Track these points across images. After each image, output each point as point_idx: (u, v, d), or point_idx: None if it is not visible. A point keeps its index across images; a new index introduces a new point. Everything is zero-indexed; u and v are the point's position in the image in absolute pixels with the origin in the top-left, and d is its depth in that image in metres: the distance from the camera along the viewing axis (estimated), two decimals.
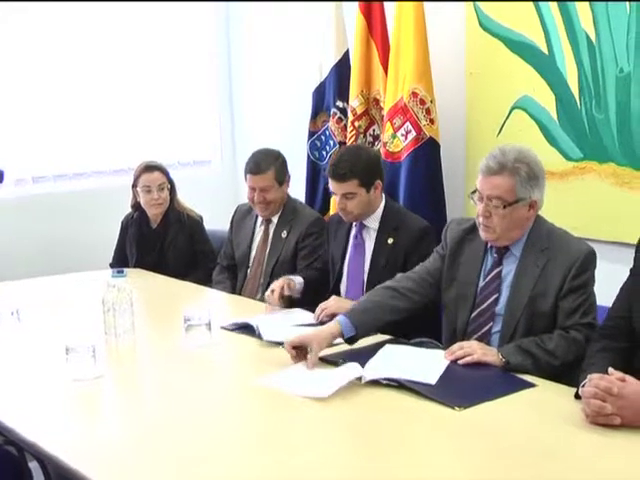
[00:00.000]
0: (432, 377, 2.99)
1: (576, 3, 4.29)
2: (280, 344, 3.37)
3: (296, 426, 2.73)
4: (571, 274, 3.20)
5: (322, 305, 3.80)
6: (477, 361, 3.09)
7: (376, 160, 4.18)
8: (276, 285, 4.07)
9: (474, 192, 3.32)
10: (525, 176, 3.20)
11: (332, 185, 4.02)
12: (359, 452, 2.56)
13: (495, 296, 3.34)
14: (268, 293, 4.06)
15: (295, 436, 2.66)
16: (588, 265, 3.23)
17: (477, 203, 3.30)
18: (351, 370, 3.05)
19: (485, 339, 3.31)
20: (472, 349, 3.11)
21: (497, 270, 3.36)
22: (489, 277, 3.37)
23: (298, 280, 4.16)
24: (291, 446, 2.57)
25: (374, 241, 4.08)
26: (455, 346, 3.17)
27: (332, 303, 3.79)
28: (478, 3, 4.71)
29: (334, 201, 4.73)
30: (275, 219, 4.68)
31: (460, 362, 3.10)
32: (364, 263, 4.09)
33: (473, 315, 3.38)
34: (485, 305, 3.35)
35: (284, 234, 4.60)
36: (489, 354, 3.09)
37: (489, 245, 3.39)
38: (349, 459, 2.50)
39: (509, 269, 3.33)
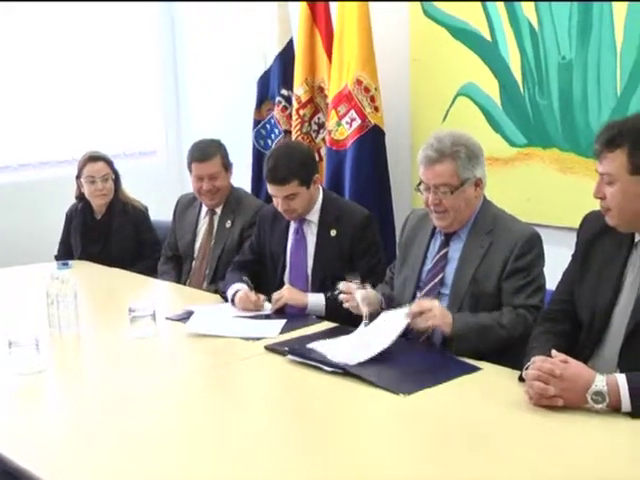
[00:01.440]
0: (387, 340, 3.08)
1: None
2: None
3: (241, 416, 2.71)
4: (513, 255, 3.24)
5: (276, 295, 3.79)
6: (434, 327, 3.12)
7: (310, 155, 4.18)
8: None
9: (419, 184, 3.36)
10: (465, 157, 3.26)
11: (272, 189, 3.97)
12: (305, 440, 2.54)
13: (440, 276, 3.39)
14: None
15: (240, 425, 2.64)
16: (531, 247, 3.27)
17: (424, 194, 3.34)
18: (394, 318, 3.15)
19: None
20: (432, 313, 3.08)
21: (444, 251, 3.41)
22: (436, 258, 3.42)
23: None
24: (235, 436, 2.56)
25: (316, 235, 4.05)
26: (415, 307, 3.13)
27: (285, 293, 3.79)
28: None
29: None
30: (219, 209, 4.65)
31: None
32: (307, 257, 4.07)
33: (419, 295, 3.42)
34: (431, 285, 3.40)
35: (228, 224, 4.57)
36: (446, 321, 3.09)
37: (437, 228, 3.43)
38: (295, 447, 2.49)
39: (455, 251, 3.38)
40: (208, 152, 4.54)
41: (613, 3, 4.01)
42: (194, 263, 4.70)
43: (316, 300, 3.80)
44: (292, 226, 4.12)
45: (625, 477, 2.21)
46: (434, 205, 3.31)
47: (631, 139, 2.68)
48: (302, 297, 3.81)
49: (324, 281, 3.91)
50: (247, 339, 3.41)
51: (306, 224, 4.08)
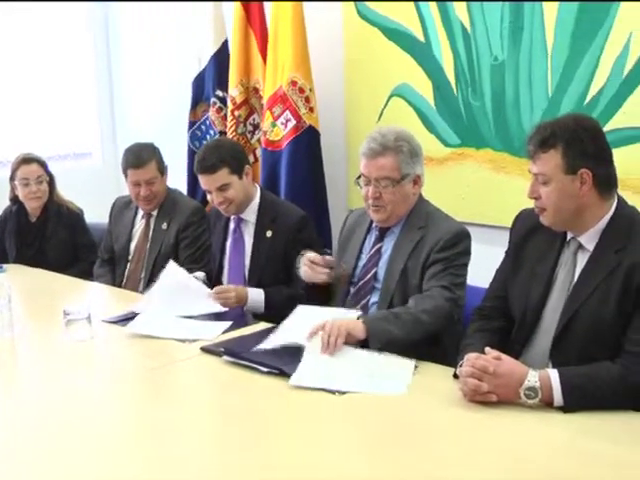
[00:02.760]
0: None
1: None
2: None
3: (177, 417, 2.70)
4: (437, 247, 3.30)
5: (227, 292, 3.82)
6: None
7: (239, 147, 4.26)
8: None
9: (359, 177, 3.39)
10: (407, 153, 3.33)
11: (204, 181, 3.99)
12: (242, 440, 2.54)
13: (374, 271, 3.44)
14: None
15: (176, 427, 2.63)
16: (456, 242, 3.32)
17: (364, 187, 3.38)
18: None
19: (363, 311, 3.38)
20: (333, 332, 3.04)
21: (378, 246, 3.47)
22: (370, 253, 3.48)
23: (200, 275, 4.12)
24: (171, 438, 2.54)
25: (253, 235, 4.08)
26: (324, 337, 3.07)
27: (232, 294, 3.81)
28: None
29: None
30: (155, 211, 4.63)
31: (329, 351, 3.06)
32: (244, 257, 4.08)
33: (353, 290, 3.48)
34: (365, 279, 3.45)
35: (164, 226, 4.56)
36: (352, 332, 3.04)
37: (373, 224, 3.48)
38: (231, 447, 2.49)
39: (388, 246, 3.44)
40: (143, 158, 4.51)
41: (543, 3, 4.07)
42: (129, 266, 4.67)
43: (256, 296, 3.84)
44: (231, 225, 4.14)
45: (559, 470, 2.25)
46: (373, 198, 3.35)
47: (564, 139, 2.74)
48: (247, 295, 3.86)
49: (260, 282, 3.94)
50: (184, 341, 3.40)
51: (244, 224, 4.10)
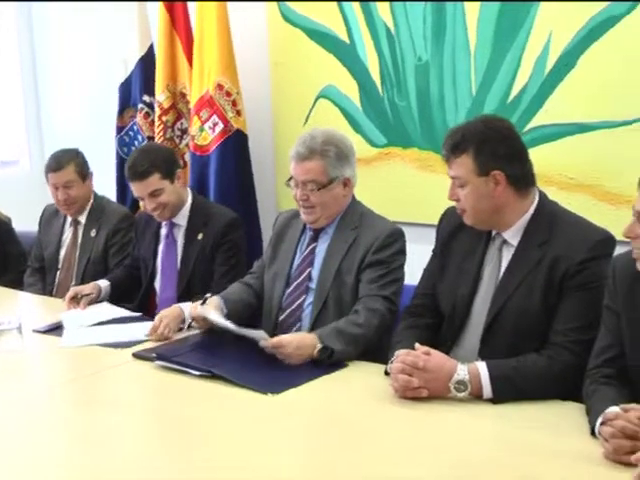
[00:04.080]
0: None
1: None
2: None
3: (110, 423, 2.68)
4: (372, 249, 3.33)
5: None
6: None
7: (169, 151, 4.27)
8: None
9: (290, 179, 3.42)
10: (334, 157, 3.34)
11: (136, 188, 3.97)
12: (176, 444, 2.55)
13: (308, 271, 3.46)
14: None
15: (109, 433, 2.61)
16: (392, 242, 3.36)
17: (293, 189, 3.41)
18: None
19: (298, 311, 3.43)
20: (286, 352, 3.05)
21: (312, 247, 3.49)
22: (304, 254, 3.49)
23: (104, 284, 4.14)
24: (104, 444, 2.53)
25: (184, 238, 4.07)
26: (270, 343, 3.09)
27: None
28: None
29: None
30: (83, 219, 4.60)
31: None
32: (177, 261, 4.08)
33: (288, 290, 3.49)
34: (299, 280, 3.47)
35: (93, 233, 4.53)
36: (304, 354, 3.06)
37: (307, 225, 3.51)
38: (166, 451, 2.50)
39: (323, 246, 3.46)
40: (61, 161, 4.51)
41: (465, 4, 4.13)
42: (59, 274, 4.63)
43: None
44: (163, 231, 4.12)
45: (490, 460, 2.29)
46: (302, 200, 3.38)
47: (474, 142, 2.81)
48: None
49: (189, 284, 3.94)
50: (117, 346, 3.40)
51: (176, 228, 4.10)
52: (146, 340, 3.44)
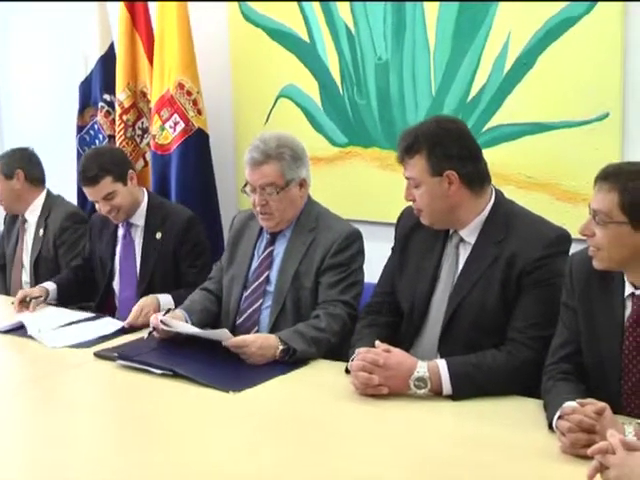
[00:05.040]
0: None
1: None
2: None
3: (72, 423, 2.68)
4: (331, 252, 3.34)
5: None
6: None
7: (119, 152, 4.26)
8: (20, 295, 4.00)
9: (245, 185, 3.42)
10: (290, 158, 3.35)
11: (89, 193, 3.97)
12: (139, 443, 2.54)
13: (266, 274, 3.46)
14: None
15: (71, 433, 2.61)
16: (349, 244, 3.37)
17: (251, 195, 3.40)
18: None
19: (256, 315, 3.43)
20: (249, 351, 3.07)
21: (269, 250, 3.49)
22: (262, 257, 3.49)
23: (51, 287, 4.11)
24: (67, 444, 2.53)
25: (142, 238, 4.07)
26: (232, 342, 3.11)
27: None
28: None
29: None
30: (32, 218, 4.60)
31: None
32: (135, 261, 4.07)
33: (246, 294, 3.48)
34: (257, 283, 3.46)
35: (41, 232, 4.52)
36: (266, 354, 3.07)
37: (264, 228, 3.50)
38: (128, 450, 2.50)
39: (280, 249, 3.46)
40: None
41: (424, 4, 4.15)
42: (13, 272, 4.65)
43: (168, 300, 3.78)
44: (120, 231, 4.11)
45: (450, 456, 2.32)
46: (260, 206, 3.37)
47: (427, 143, 2.85)
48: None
49: (150, 284, 3.94)
50: (87, 343, 3.39)
51: (133, 228, 4.08)
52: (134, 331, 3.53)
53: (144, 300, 3.67)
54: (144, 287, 3.96)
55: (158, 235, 4.01)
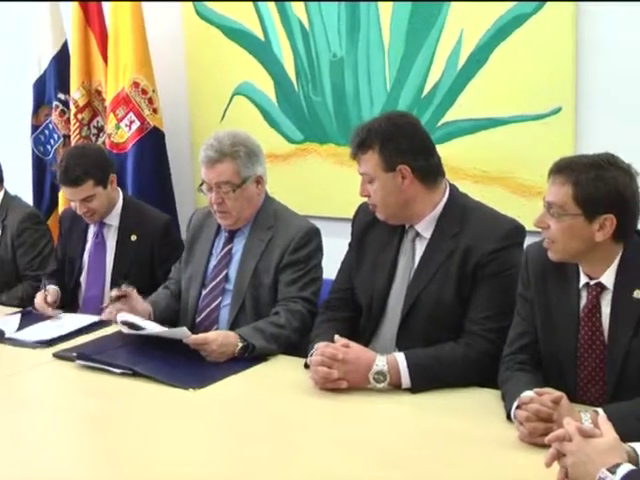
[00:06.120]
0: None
1: None
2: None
3: (32, 424, 2.66)
4: (290, 249, 3.35)
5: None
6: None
7: (104, 155, 4.16)
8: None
9: (202, 184, 3.42)
10: (245, 156, 3.35)
11: (68, 193, 3.92)
12: (99, 442, 2.55)
13: (225, 272, 3.46)
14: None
15: (28, 435, 2.58)
16: (308, 241, 3.39)
17: (207, 194, 3.40)
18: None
19: (215, 313, 3.44)
20: (210, 349, 3.06)
21: (228, 248, 3.49)
22: (220, 255, 3.49)
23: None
24: (25, 444, 2.50)
25: (116, 239, 4.03)
26: (193, 340, 3.09)
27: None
28: None
29: (63, 195, 4.68)
30: None
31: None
32: (106, 261, 4.03)
33: (205, 292, 3.48)
34: (216, 281, 3.47)
35: None
36: (226, 351, 3.06)
37: (222, 226, 3.50)
38: (88, 450, 2.51)
39: (239, 246, 3.47)
40: None
41: (379, 3, 4.18)
42: None
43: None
44: (91, 230, 4.08)
45: (410, 448, 2.35)
46: (217, 204, 3.37)
47: (380, 139, 2.88)
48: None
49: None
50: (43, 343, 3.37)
51: (106, 228, 4.05)
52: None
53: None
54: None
55: (133, 237, 3.98)
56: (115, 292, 3.43)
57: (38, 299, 3.75)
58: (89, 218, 3.98)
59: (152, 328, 3.24)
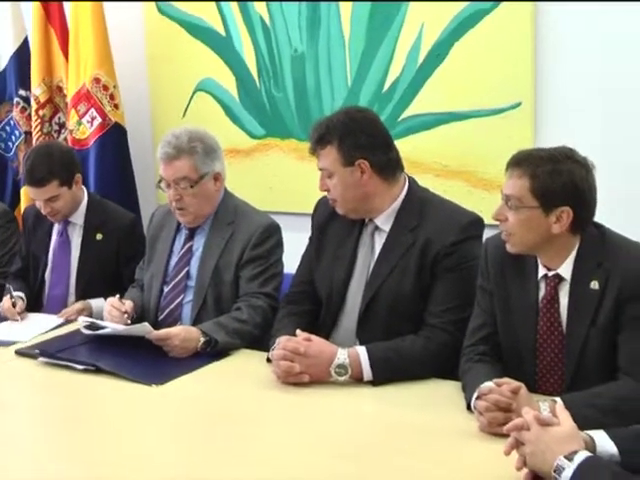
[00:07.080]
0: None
1: None
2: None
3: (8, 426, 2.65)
4: (250, 244, 3.36)
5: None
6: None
7: (70, 155, 4.10)
8: None
9: (160, 181, 3.42)
10: (202, 152, 3.35)
11: (32, 193, 3.89)
12: (62, 439, 2.55)
13: (186, 270, 3.46)
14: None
15: (8, 435, 2.58)
16: (268, 236, 3.40)
17: (166, 190, 3.40)
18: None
19: (178, 310, 3.44)
20: (172, 343, 3.08)
21: (188, 245, 3.49)
22: (181, 252, 3.49)
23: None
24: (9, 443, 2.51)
25: (81, 238, 4.00)
26: (155, 335, 3.11)
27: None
28: None
29: (25, 193, 4.66)
30: None
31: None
32: (70, 260, 4.01)
33: (167, 289, 3.48)
34: (177, 279, 3.47)
35: None
36: (189, 347, 3.08)
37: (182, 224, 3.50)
38: (52, 447, 2.50)
39: (199, 243, 3.47)
40: None
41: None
42: None
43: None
44: (56, 228, 4.05)
45: (372, 441, 2.37)
46: (175, 201, 3.37)
47: (338, 135, 2.90)
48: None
49: (88, 284, 3.90)
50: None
51: (71, 227, 4.02)
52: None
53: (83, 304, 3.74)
54: (82, 287, 3.93)
55: (99, 236, 3.96)
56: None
57: (5, 306, 3.73)
58: (53, 217, 3.95)
59: (113, 327, 3.24)
